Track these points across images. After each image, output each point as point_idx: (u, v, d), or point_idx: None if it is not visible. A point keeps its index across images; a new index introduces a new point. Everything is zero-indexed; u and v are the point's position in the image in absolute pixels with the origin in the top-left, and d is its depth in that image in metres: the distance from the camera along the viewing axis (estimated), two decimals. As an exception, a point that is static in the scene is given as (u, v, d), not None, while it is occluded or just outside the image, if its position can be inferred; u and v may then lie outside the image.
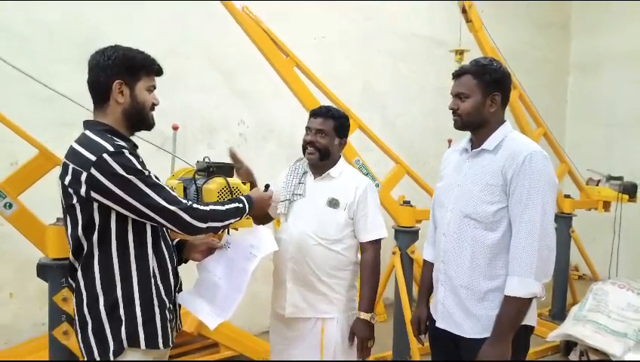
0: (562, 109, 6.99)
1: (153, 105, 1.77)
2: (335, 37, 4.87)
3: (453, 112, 1.98)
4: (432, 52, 5.37)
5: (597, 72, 6.73)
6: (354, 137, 3.52)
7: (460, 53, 4.31)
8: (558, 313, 4.71)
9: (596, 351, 3.64)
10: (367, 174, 3.38)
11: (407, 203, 3.65)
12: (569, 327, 3.83)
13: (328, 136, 2.27)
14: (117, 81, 1.67)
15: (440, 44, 5.11)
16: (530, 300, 1.79)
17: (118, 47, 1.71)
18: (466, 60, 4.22)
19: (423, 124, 5.48)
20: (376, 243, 2.31)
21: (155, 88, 1.78)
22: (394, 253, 3.60)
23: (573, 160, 4.99)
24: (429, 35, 5.45)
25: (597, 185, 5.08)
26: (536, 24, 6.55)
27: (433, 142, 5.26)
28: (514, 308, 1.79)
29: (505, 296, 1.80)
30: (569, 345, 3.94)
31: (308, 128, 2.31)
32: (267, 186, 2.09)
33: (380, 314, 4.84)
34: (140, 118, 1.74)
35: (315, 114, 2.32)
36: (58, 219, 2.32)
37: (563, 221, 4.75)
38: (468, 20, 3.96)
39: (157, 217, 1.62)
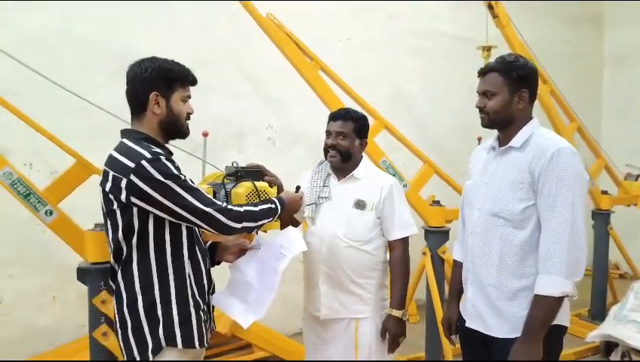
0: (598, 104, 6.80)
1: (188, 115, 1.84)
2: (360, 38, 4.89)
3: (480, 110, 1.96)
4: (459, 50, 5.32)
5: (633, 65, 6.52)
6: (380, 138, 3.53)
7: (488, 49, 4.24)
8: (598, 313, 4.58)
9: (639, 351, 3.53)
10: (394, 175, 3.38)
11: (436, 203, 3.62)
12: (609, 328, 3.72)
13: (349, 138, 2.29)
14: (153, 93, 1.74)
15: (466, 41, 5.05)
16: (560, 299, 1.75)
17: (154, 59, 1.78)
18: (494, 57, 4.18)
19: (451, 122, 5.43)
20: (405, 240, 2.33)
21: (189, 98, 1.84)
22: (424, 254, 3.58)
23: (609, 155, 4.85)
24: (455, 33, 5.40)
25: (636, 180, 4.92)
26: (567, 19, 6.40)
27: (463, 141, 5.19)
28: (544, 307, 1.75)
29: (535, 294, 1.77)
30: (609, 345, 3.81)
31: (328, 132, 2.33)
32: (298, 188, 2.13)
33: (412, 315, 4.82)
34: (176, 128, 1.81)
35: (334, 117, 2.34)
36: (96, 225, 2.41)
37: (601, 218, 4.62)
38: (494, 16, 3.91)
39: (194, 219, 1.68)
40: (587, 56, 6.69)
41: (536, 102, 4.23)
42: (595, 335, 3.76)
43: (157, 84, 1.74)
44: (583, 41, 6.63)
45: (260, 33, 3.33)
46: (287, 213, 2.00)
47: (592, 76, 6.79)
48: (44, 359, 3.23)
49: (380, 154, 3.40)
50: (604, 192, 4.67)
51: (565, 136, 4.32)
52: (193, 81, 1.84)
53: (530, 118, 1.94)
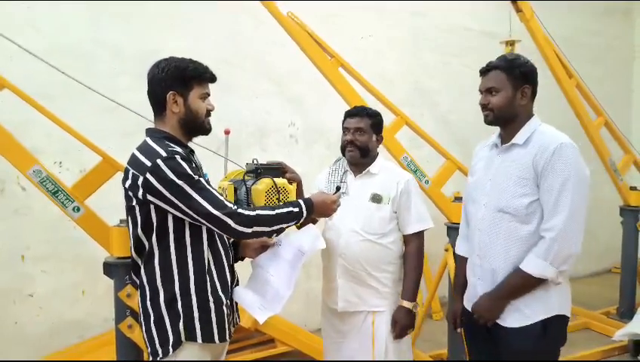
0: (627, 98, 6.62)
1: (209, 112, 1.85)
2: (383, 36, 4.88)
3: (483, 108, 2.03)
4: (483, 45, 5.24)
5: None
6: (402, 134, 3.53)
7: (511, 44, 4.18)
8: (627, 312, 4.47)
9: (668, 351, 3.45)
10: (415, 171, 3.38)
11: (459, 199, 3.59)
12: (637, 326, 3.64)
13: (366, 133, 2.35)
14: (170, 93, 1.77)
15: (491, 36, 4.98)
16: (539, 280, 1.86)
17: (171, 60, 1.81)
18: (518, 51, 4.11)
19: (477, 118, 5.30)
20: (420, 234, 2.38)
21: (208, 95, 1.86)
22: (446, 251, 3.56)
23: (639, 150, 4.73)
24: (479, 28, 5.34)
25: (667, 175, 4.78)
26: (595, 11, 6.23)
27: (488, 137, 5.13)
28: (521, 280, 1.88)
29: (518, 267, 1.89)
30: (638, 344, 3.74)
31: (346, 128, 2.39)
32: (338, 188, 2.09)
33: (436, 312, 4.80)
34: (195, 126, 1.83)
35: (351, 114, 2.41)
36: (121, 221, 2.47)
37: (629, 214, 4.52)
38: (518, 10, 3.85)
39: (203, 220, 1.69)
40: (617, 49, 6.51)
41: (563, 97, 4.15)
42: (623, 333, 3.68)
43: (174, 84, 1.78)
44: (612, 34, 6.45)
45: (283, 33, 3.36)
46: (317, 216, 1.97)
47: (622, 69, 6.61)
48: (70, 352, 3.32)
49: (401, 150, 3.40)
50: (633, 188, 4.54)
51: (592, 131, 4.26)
52: (212, 78, 1.85)
53: (531, 115, 2.00)
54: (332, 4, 4.38)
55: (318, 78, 3.50)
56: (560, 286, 1.91)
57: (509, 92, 1.96)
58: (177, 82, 1.78)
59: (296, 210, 1.84)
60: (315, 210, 1.90)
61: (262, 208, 1.80)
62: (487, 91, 2.00)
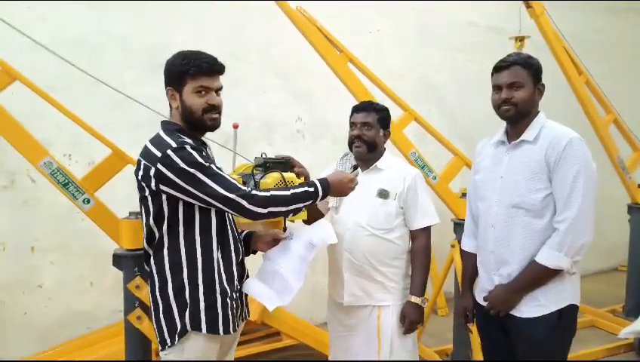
0: (637, 95, 6.55)
1: (212, 107, 1.81)
2: (390, 31, 4.86)
3: (504, 102, 2.00)
4: (490, 40, 5.22)
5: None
6: (410, 130, 3.53)
7: (521, 39, 4.16)
8: (633, 310, 4.44)
9: (674, 349, 3.44)
10: (423, 167, 3.38)
11: (466, 195, 3.59)
12: (644, 324, 3.63)
13: (374, 128, 2.35)
14: (168, 88, 1.82)
15: (497, 31, 4.97)
16: (554, 271, 1.91)
17: (177, 54, 1.82)
18: (527, 47, 4.09)
19: (483, 114, 5.28)
20: (427, 230, 2.38)
21: (206, 88, 1.79)
22: (453, 246, 3.56)
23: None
24: (486, 24, 5.32)
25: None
26: (602, 8, 6.17)
27: (493, 132, 5.12)
28: (537, 272, 1.93)
29: (533, 260, 1.93)
30: (644, 342, 3.74)
31: (352, 123, 2.39)
32: (356, 167, 2.09)
33: (441, 307, 4.80)
34: (193, 120, 1.81)
35: (358, 109, 2.41)
36: (130, 213, 2.49)
37: (637, 212, 4.48)
38: (528, 6, 3.83)
39: (219, 205, 1.72)
40: (626, 46, 6.46)
41: (569, 93, 4.12)
42: (629, 331, 3.65)
43: (170, 80, 1.81)
44: (620, 30, 6.39)
45: (290, 28, 3.36)
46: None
47: (632, 66, 6.54)
48: (78, 343, 3.35)
49: (409, 146, 3.40)
50: (642, 186, 4.53)
51: (601, 129, 4.23)
52: (209, 71, 1.79)
53: (537, 112, 2.04)
54: (333, 4, 4.36)
55: (324, 73, 3.50)
56: (573, 276, 1.95)
57: (531, 88, 1.99)
58: (173, 78, 1.81)
59: (311, 189, 1.84)
60: (332, 189, 1.91)
61: (276, 189, 1.82)
62: (509, 86, 1.99)
